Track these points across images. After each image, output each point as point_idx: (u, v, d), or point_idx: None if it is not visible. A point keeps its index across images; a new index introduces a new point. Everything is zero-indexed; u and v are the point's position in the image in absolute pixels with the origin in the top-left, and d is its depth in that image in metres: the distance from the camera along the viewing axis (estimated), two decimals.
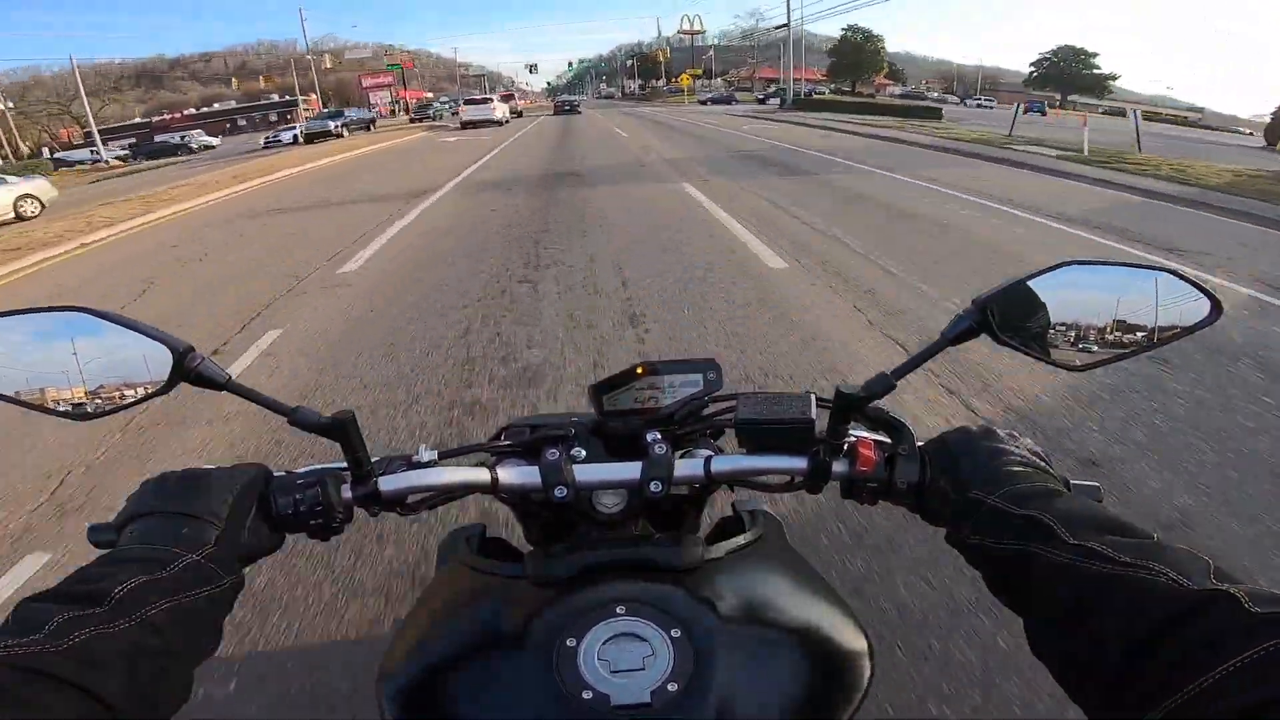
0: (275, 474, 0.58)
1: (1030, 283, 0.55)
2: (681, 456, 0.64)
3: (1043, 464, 0.54)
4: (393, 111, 66.47)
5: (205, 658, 0.47)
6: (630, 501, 0.63)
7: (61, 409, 0.54)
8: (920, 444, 0.58)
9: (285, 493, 0.56)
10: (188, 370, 0.53)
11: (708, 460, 0.61)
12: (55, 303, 0.54)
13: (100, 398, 0.54)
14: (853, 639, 0.56)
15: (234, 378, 0.55)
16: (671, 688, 0.48)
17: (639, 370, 0.66)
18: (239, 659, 1.75)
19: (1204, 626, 0.34)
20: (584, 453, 0.64)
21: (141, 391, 0.55)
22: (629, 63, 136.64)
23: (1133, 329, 0.55)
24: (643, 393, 0.66)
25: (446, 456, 0.63)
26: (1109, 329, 0.55)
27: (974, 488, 0.51)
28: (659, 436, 0.62)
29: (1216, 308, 0.53)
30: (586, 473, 0.61)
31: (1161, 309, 0.54)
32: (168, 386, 0.54)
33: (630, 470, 0.60)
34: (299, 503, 0.55)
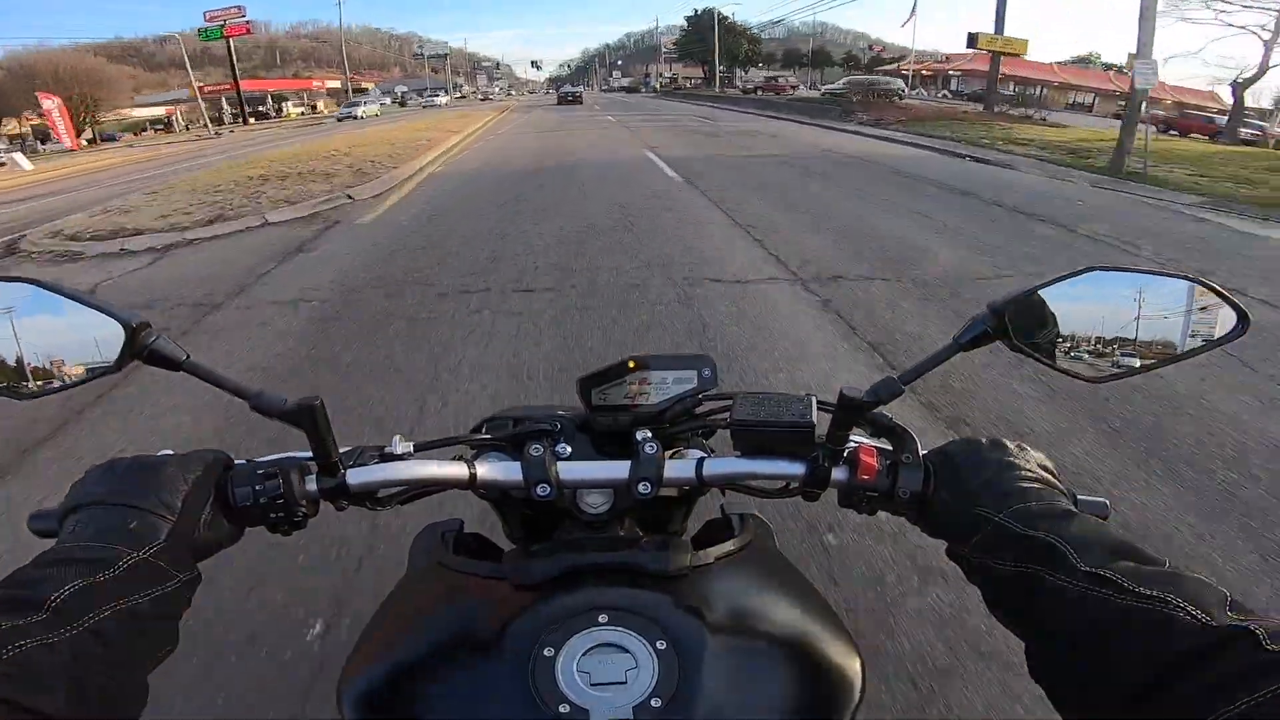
0: (236, 462, 0.54)
1: (1049, 288, 0.53)
2: (672, 457, 0.62)
3: (1051, 478, 0.52)
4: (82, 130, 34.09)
5: (160, 661, 0.44)
6: (616, 502, 0.61)
7: (3, 387, 0.51)
8: (924, 453, 0.56)
9: (244, 483, 0.52)
10: (141, 347, 0.50)
11: (700, 462, 0.59)
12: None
13: (44, 375, 0.51)
14: (844, 652, 0.54)
15: (191, 356, 0.51)
16: (655, 703, 0.45)
17: (630, 364, 0.63)
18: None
19: (1223, 665, 0.34)
20: (569, 449, 0.62)
21: (91, 369, 0.51)
22: (662, 46, 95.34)
23: (1154, 339, 0.53)
24: (633, 388, 0.64)
25: (422, 448, 0.60)
26: (1129, 339, 0.53)
27: (980, 503, 0.49)
28: (649, 435, 0.59)
29: (1243, 320, 0.51)
30: (571, 470, 0.58)
31: (1185, 319, 0.52)
32: (119, 365, 0.51)
33: (618, 469, 0.58)
34: (258, 494, 0.52)
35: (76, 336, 0.50)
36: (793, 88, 54.80)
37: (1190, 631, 0.35)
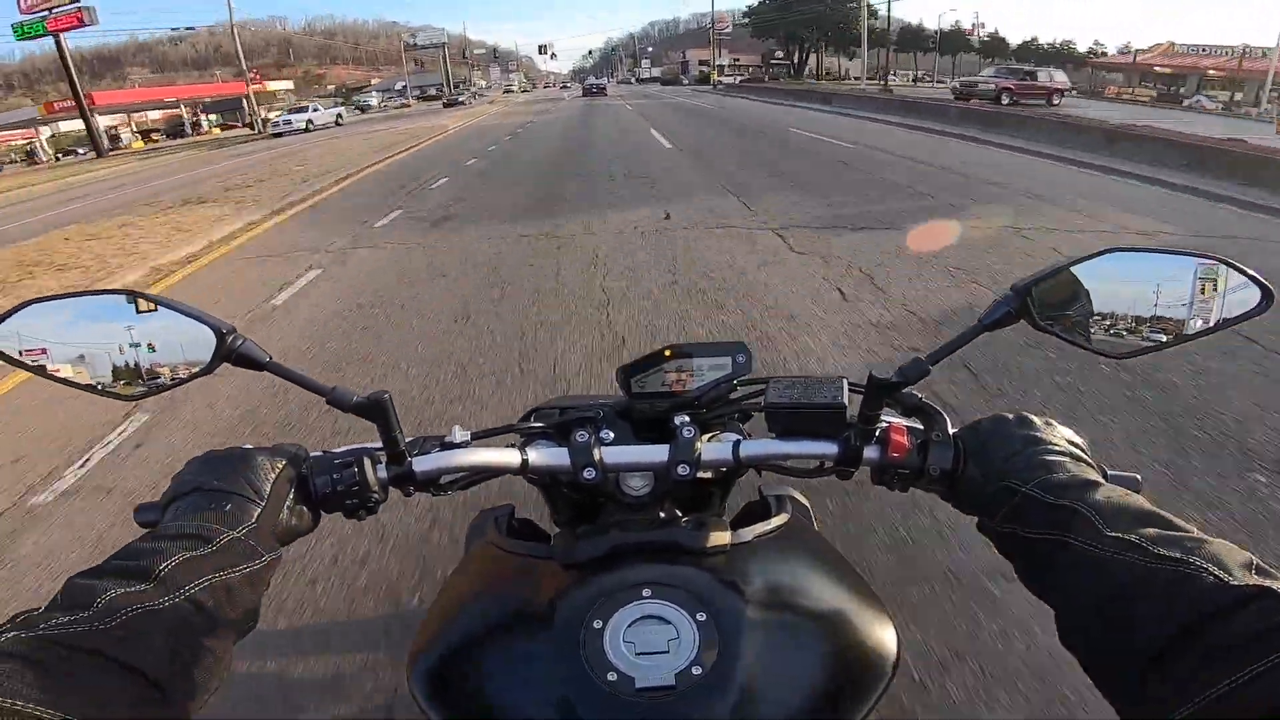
0: (312, 454, 0.59)
1: (1072, 269, 0.54)
2: (709, 440, 0.64)
3: (1080, 453, 0.53)
4: None
5: (244, 635, 0.48)
6: (657, 484, 0.64)
7: (108, 389, 0.56)
8: (954, 430, 0.57)
9: (322, 472, 0.56)
10: (229, 350, 0.55)
11: (736, 444, 0.61)
12: None
13: (145, 378, 0.56)
14: (879, 627, 0.56)
15: (273, 358, 0.56)
16: (696, 671, 0.48)
17: (667, 353, 0.66)
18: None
19: (1245, 623, 0.34)
20: (612, 435, 0.64)
21: (185, 372, 0.56)
22: (715, 22, 64.60)
23: (1178, 317, 0.53)
24: (670, 375, 0.66)
25: (478, 438, 0.64)
26: (1153, 317, 0.54)
27: (1008, 476, 0.50)
28: (687, 419, 0.62)
29: (1267, 296, 0.51)
30: (615, 455, 0.61)
31: (1208, 297, 0.53)
32: (210, 367, 0.56)
33: (658, 453, 0.61)
34: (335, 482, 0.56)
35: (169, 340, 0.55)
36: (1059, 93, 25.81)
37: (1212, 591, 0.36)
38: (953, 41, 64.74)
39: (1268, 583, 0.35)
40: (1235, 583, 0.36)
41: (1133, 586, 0.39)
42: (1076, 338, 0.55)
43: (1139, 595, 0.39)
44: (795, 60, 57.02)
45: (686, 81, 69.19)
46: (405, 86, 76.20)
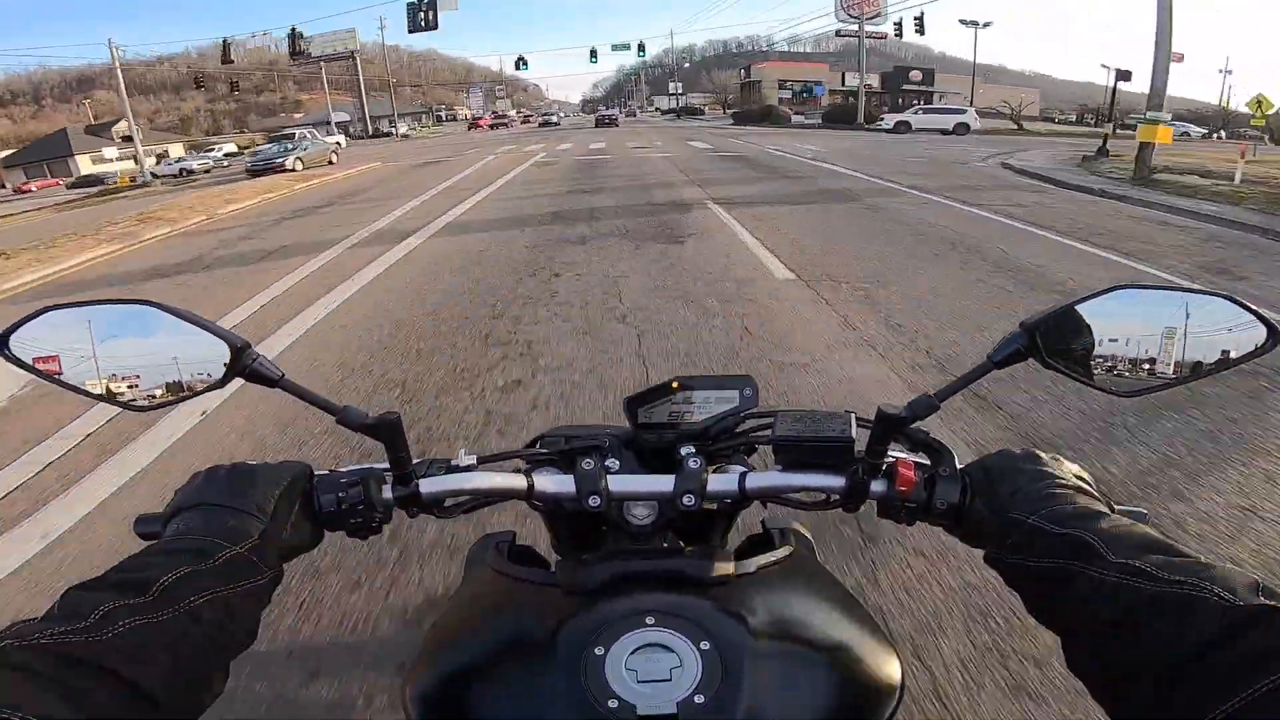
0: (318, 472, 0.59)
1: (1080, 306, 0.55)
2: (715, 471, 0.64)
3: (1087, 488, 0.53)
4: None
5: (241, 650, 0.48)
6: (661, 514, 0.63)
7: (121, 399, 0.56)
8: (961, 466, 0.57)
9: (329, 490, 0.57)
10: (243, 366, 0.55)
11: (742, 476, 0.61)
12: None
13: (158, 390, 0.56)
14: (883, 659, 0.55)
15: (286, 375, 0.56)
16: (699, 699, 0.47)
17: (674, 385, 0.66)
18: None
19: (1253, 642, 0.34)
20: (618, 464, 0.65)
21: (199, 385, 0.56)
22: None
23: (1184, 355, 0.54)
24: (677, 407, 0.67)
25: (485, 462, 0.64)
26: (1159, 355, 0.54)
27: (1014, 509, 0.51)
28: (693, 451, 0.62)
29: (1273, 335, 0.52)
30: (620, 483, 0.61)
31: (1215, 336, 0.53)
32: (223, 381, 0.56)
33: (663, 483, 0.61)
34: (341, 501, 0.56)
35: (184, 353, 0.56)
36: None
37: (1219, 612, 0.36)
38: None
39: (1274, 603, 0.35)
40: (1242, 603, 0.36)
41: (1141, 610, 0.39)
42: (1082, 374, 0.56)
43: (1148, 619, 0.39)
44: None
45: (806, 119, 42.82)
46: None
